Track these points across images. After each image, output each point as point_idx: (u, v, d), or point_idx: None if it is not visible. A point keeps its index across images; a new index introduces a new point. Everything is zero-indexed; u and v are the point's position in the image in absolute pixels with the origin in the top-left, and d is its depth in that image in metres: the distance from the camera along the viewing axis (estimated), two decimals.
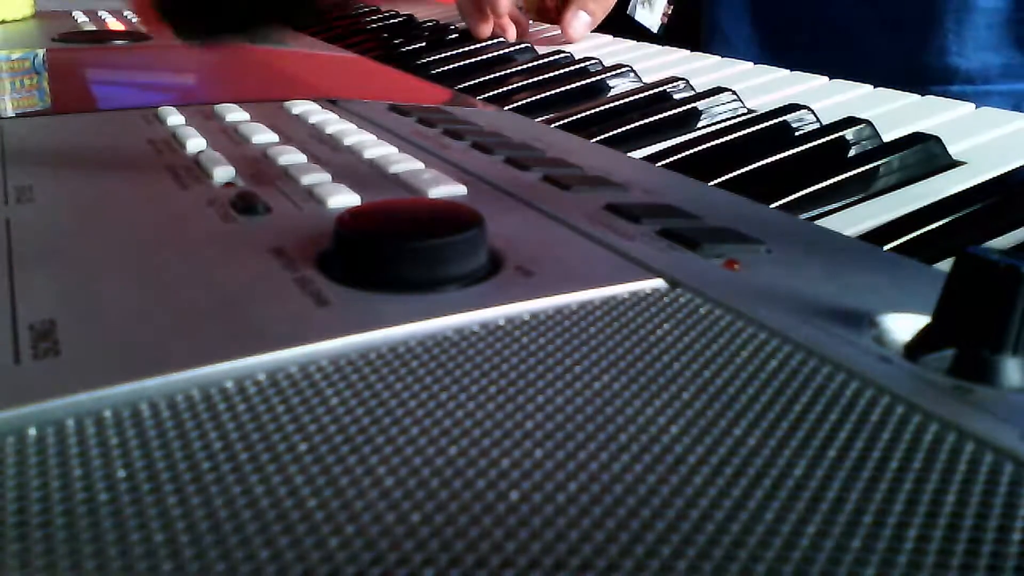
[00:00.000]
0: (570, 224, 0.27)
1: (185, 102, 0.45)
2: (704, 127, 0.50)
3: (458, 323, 0.20)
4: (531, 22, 0.82)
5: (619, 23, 0.86)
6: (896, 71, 0.71)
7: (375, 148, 0.35)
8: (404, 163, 0.33)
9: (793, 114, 0.48)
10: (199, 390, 0.17)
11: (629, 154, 0.42)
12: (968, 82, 0.72)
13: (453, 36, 0.80)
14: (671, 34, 1.01)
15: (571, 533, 0.14)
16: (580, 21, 0.73)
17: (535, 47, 0.72)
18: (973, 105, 0.48)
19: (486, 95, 0.58)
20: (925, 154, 0.41)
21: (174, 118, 0.41)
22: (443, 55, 0.71)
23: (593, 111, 0.52)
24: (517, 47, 0.72)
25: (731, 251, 0.25)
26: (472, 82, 0.62)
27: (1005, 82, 0.72)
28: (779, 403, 0.17)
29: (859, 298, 0.22)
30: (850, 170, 0.40)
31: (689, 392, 0.18)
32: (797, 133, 0.47)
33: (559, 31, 0.80)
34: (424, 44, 0.77)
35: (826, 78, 0.56)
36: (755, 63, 0.61)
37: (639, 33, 0.96)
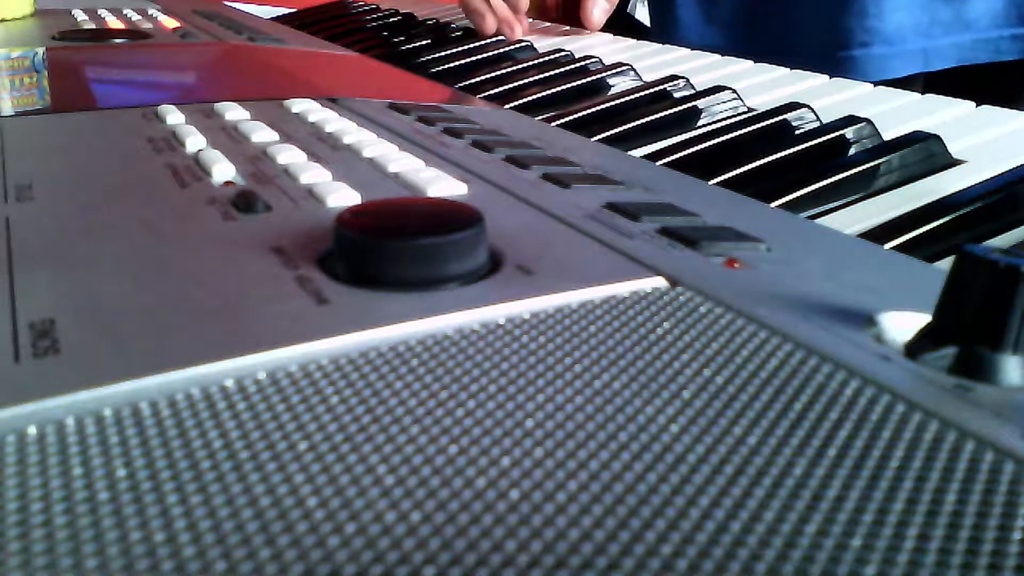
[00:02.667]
0: (570, 222, 0.27)
1: (185, 100, 0.45)
2: (704, 126, 0.50)
3: (458, 322, 0.20)
4: (531, 20, 0.82)
5: (619, 22, 0.86)
6: (821, 37, 0.74)
7: (375, 147, 0.35)
8: (404, 161, 0.33)
9: (793, 112, 0.48)
10: (199, 388, 0.17)
11: (629, 152, 0.42)
12: (887, 43, 0.76)
13: (453, 34, 0.80)
14: None
15: (571, 532, 0.14)
16: (599, 9, 0.77)
17: (535, 45, 0.72)
18: (973, 104, 0.48)
19: (486, 93, 0.58)
20: (925, 153, 0.41)
21: (174, 116, 0.41)
22: (443, 53, 0.71)
23: (593, 109, 0.52)
24: (517, 45, 0.72)
25: (731, 250, 0.25)
26: (472, 80, 0.62)
27: (914, 40, 0.76)
28: (779, 402, 0.17)
29: (859, 297, 0.22)
30: (850, 169, 0.40)
31: (689, 391, 0.18)
32: (797, 132, 0.47)
33: (559, 29, 0.80)
34: (424, 42, 0.77)
35: (826, 77, 0.56)
36: (697, 36, 0.62)
37: (639, 32, 0.96)
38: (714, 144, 0.45)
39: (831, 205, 0.38)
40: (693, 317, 0.21)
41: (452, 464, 0.15)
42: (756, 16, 0.82)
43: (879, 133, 0.44)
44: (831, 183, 0.39)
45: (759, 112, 0.49)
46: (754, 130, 0.46)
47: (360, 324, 0.20)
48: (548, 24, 0.83)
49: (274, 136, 0.37)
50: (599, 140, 0.46)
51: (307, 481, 0.15)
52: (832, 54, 0.75)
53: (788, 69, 0.58)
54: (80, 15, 0.87)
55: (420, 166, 0.33)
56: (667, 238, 0.26)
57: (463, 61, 0.69)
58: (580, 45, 0.71)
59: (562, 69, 0.63)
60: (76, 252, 0.25)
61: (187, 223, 0.27)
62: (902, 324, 0.20)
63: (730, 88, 0.52)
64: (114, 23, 0.82)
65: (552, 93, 0.57)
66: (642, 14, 1.05)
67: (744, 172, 0.41)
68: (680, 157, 0.44)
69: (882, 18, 0.76)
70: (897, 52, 0.76)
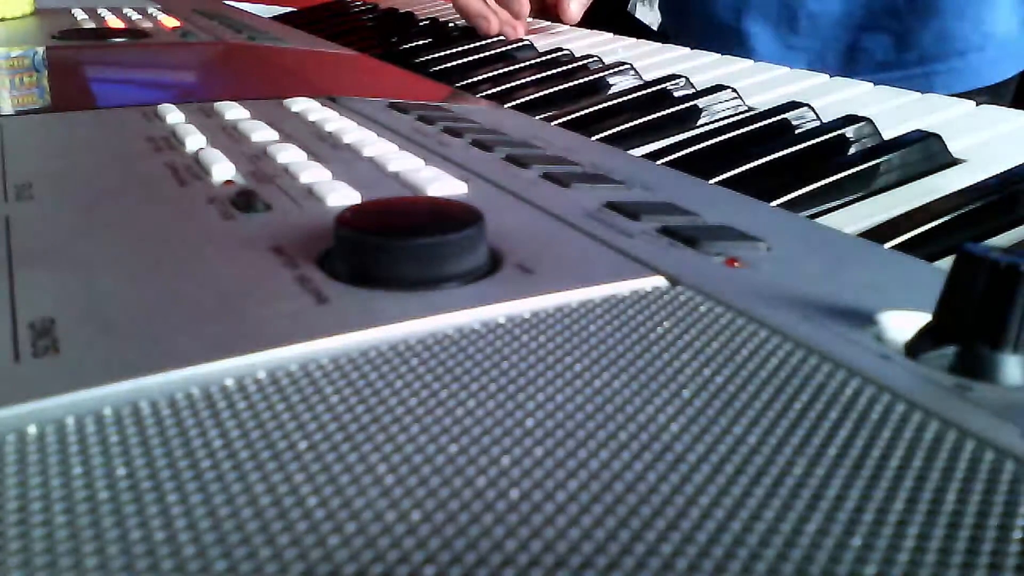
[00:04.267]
0: (570, 222, 0.27)
1: (185, 100, 0.45)
2: (704, 125, 0.50)
3: (458, 321, 0.20)
4: (529, 20, 0.82)
5: (619, 21, 0.86)
6: (933, 48, 0.75)
7: (375, 146, 0.35)
8: (404, 161, 0.33)
9: (793, 112, 0.48)
10: (199, 388, 0.17)
11: (629, 152, 0.42)
12: (999, 46, 0.79)
13: (452, 33, 0.80)
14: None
15: (571, 531, 0.14)
16: (576, 3, 0.78)
17: (535, 45, 0.72)
18: (973, 103, 0.48)
19: (486, 92, 0.58)
20: (925, 152, 0.41)
21: (174, 115, 0.41)
22: (443, 52, 0.71)
23: (593, 109, 0.52)
24: (517, 44, 0.72)
25: (731, 249, 0.25)
26: (472, 79, 0.62)
27: (1021, 39, 0.79)
28: (779, 401, 0.17)
29: (859, 296, 0.22)
30: (850, 168, 0.40)
31: (689, 390, 0.18)
32: (797, 131, 0.47)
33: (559, 28, 0.80)
34: (423, 41, 0.77)
35: (826, 76, 0.56)
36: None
37: (639, 31, 0.96)
38: (714, 143, 0.45)
39: (831, 204, 0.38)
40: (693, 316, 0.21)
41: (452, 463, 0.15)
42: (844, 41, 0.81)
43: (879, 132, 0.44)
44: (831, 182, 0.39)
45: (759, 111, 0.49)
46: (754, 129, 0.46)
47: (360, 323, 0.20)
48: (548, 23, 0.83)
49: (274, 135, 0.37)
50: (599, 139, 0.46)
51: (307, 480, 0.15)
52: (946, 61, 0.77)
53: (788, 68, 0.58)
54: (80, 14, 0.87)
55: (420, 165, 0.33)
56: (667, 237, 0.26)
57: (463, 60, 0.69)
58: (580, 44, 0.71)
59: (562, 68, 0.63)
60: (76, 252, 0.25)
61: (187, 222, 0.27)
62: (902, 323, 0.20)
63: (730, 87, 0.52)
64: (114, 22, 0.82)
65: (552, 92, 0.57)
66: (643, 13, 1.05)
67: (744, 171, 0.41)
68: (680, 156, 0.44)
69: (995, 23, 0.78)
70: (1008, 53, 0.79)
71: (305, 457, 0.15)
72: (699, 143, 0.45)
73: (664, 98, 0.54)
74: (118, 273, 0.23)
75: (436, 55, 0.71)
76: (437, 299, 0.21)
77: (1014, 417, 0.17)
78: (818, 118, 0.48)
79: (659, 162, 0.42)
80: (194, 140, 0.36)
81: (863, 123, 0.45)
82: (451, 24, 0.82)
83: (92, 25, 0.80)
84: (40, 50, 0.64)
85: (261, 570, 0.13)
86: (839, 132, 0.44)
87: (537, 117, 0.49)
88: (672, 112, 0.51)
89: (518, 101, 0.55)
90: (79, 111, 0.44)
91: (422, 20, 0.87)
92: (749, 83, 0.55)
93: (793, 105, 0.48)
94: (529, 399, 0.17)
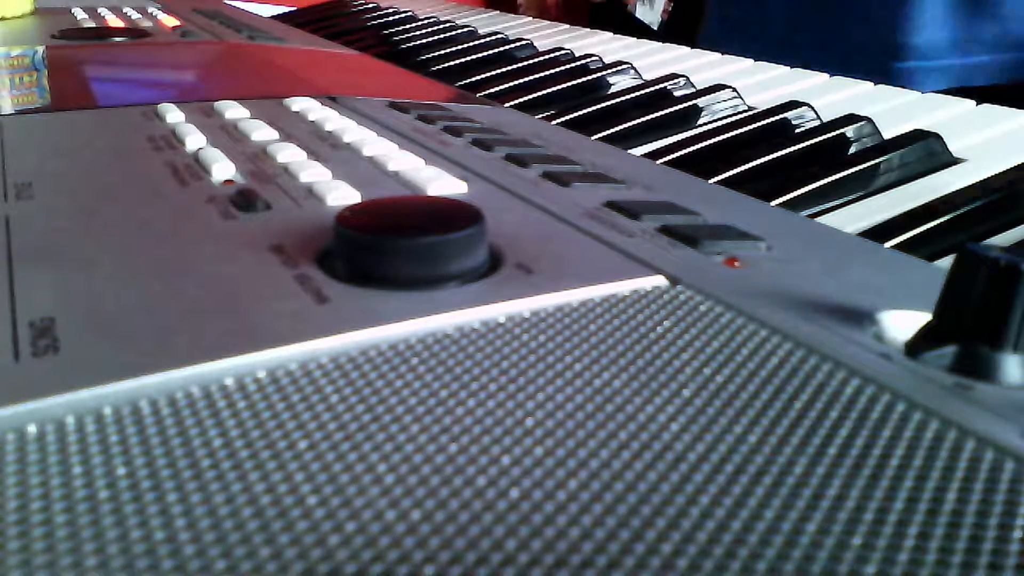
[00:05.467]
0: (570, 221, 0.27)
1: (185, 99, 0.45)
2: (704, 124, 0.50)
3: (458, 320, 0.20)
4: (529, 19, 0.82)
5: (619, 20, 0.86)
6: (864, 50, 0.74)
7: (375, 145, 0.35)
8: (404, 160, 0.33)
9: (793, 111, 0.48)
10: (199, 387, 0.17)
11: (629, 151, 0.42)
12: (921, 57, 0.78)
13: (452, 33, 0.80)
14: (671, 31, 1.01)
15: (572, 531, 0.14)
16: None
17: (535, 44, 0.72)
18: (974, 102, 0.48)
19: (486, 92, 0.58)
20: (925, 151, 0.41)
21: (173, 115, 0.41)
22: (443, 52, 0.71)
23: (593, 108, 0.52)
24: (517, 44, 0.72)
25: (731, 248, 0.25)
26: (472, 79, 0.62)
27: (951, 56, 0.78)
28: (780, 400, 0.17)
29: (859, 295, 0.22)
30: (850, 167, 0.40)
31: (689, 389, 0.18)
32: (797, 130, 0.47)
33: (559, 28, 0.80)
34: (424, 41, 0.77)
35: (826, 75, 0.56)
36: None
37: (639, 30, 0.96)
38: (714, 143, 0.45)
39: (831, 204, 0.38)
40: (693, 316, 0.21)
41: (452, 463, 0.15)
42: (796, 31, 0.81)
43: (879, 131, 0.44)
44: (831, 182, 0.39)
45: (759, 111, 0.49)
46: (754, 129, 0.46)
47: (360, 323, 0.20)
48: (547, 23, 0.83)
49: (274, 134, 0.37)
50: (599, 139, 0.46)
51: (307, 480, 0.15)
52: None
53: (788, 68, 0.58)
54: (80, 13, 0.87)
55: (420, 164, 0.33)
56: (667, 237, 0.26)
57: (463, 59, 0.69)
58: (580, 44, 0.71)
59: (562, 67, 0.63)
60: (76, 251, 0.25)
61: (187, 222, 0.27)
62: (902, 323, 0.20)
63: (730, 87, 0.52)
64: (114, 21, 0.82)
65: (552, 92, 0.57)
66: (643, 13, 1.05)
67: (744, 171, 0.41)
68: (680, 156, 0.44)
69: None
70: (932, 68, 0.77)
71: (305, 457, 0.15)
72: (699, 143, 0.45)
73: (664, 98, 0.54)
74: (118, 273, 0.23)
75: (436, 54, 0.71)
76: (437, 298, 0.21)
77: (1014, 416, 0.17)
78: (818, 118, 0.48)
79: (659, 162, 0.42)
80: (194, 139, 0.36)
81: (863, 123, 0.45)
82: (451, 24, 0.82)
83: (92, 24, 0.80)
84: (40, 49, 0.64)
85: (261, 570, 0.13)
86: (839, 132, 0.44)
87: (537, 117, 0.49)
88: (672, 112, 0.51)
89: (518, 101, 0.55)
90: (79, 110, 0.44)
91: (422, 20, 0.87)
92: (749, 82, 0.55)
93: (793, 105, 0.48)
94: (529, 399, 0.17)
